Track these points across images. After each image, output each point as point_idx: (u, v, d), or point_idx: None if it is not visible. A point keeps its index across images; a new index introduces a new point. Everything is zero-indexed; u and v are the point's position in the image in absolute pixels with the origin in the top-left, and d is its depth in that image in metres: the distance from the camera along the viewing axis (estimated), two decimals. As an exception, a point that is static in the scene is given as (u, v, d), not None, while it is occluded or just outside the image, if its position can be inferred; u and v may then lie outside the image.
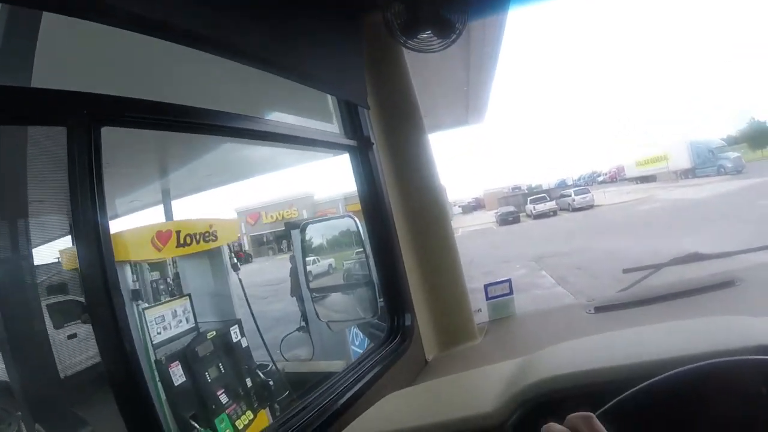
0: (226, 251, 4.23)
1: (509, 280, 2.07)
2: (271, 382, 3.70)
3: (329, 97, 1.83)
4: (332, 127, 1.81)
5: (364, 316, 2.19)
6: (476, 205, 49.22)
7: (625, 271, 2.11)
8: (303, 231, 2.48)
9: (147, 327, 3.26)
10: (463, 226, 28.68)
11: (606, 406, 0.64)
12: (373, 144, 1.78)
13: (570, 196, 27.34)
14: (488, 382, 1.12)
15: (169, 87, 1.24)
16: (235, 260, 4.28)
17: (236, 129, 1.31)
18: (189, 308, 3.63)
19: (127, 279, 3.44)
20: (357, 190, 1.79)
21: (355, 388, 1.41)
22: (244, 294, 4.16)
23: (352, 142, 1.73)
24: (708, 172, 26.14)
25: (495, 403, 0.99)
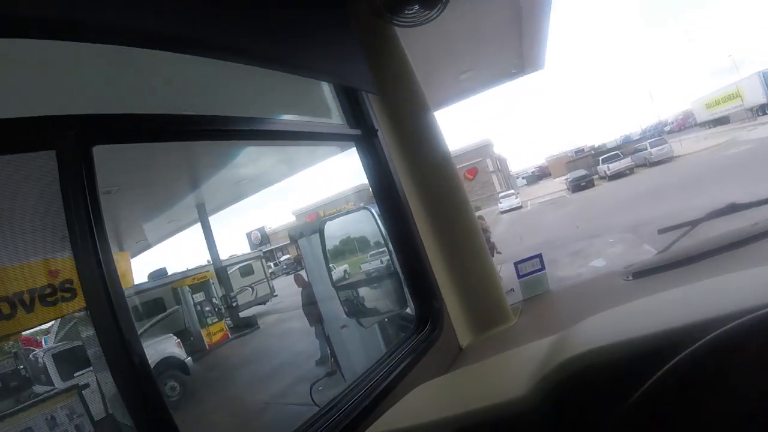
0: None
1: (539, 255, 1.99)
2: None
3: (328, 91, 1.79)
4: (335, 121, 1.77)
5: (393, 309, 2.12)
6: (540, 174, 47.26)
7: (660, 231, 1.99)
8: (321, 234, 2.19)
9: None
10: (531, 199, 26.51)
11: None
12: (377, 131, 1.74)
13: (645, 149, 24.65)
14: (521, 365, 1.06)
15: (164, 97, 1.24)
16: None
17: (237, 131, 1.30)
18: (81, 410, 2.22)
19: None
20: (367, 180, 1.76)
21: (387, 381, 1.38)
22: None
23: (356, 131, 1.70)
24: (786, 103, 23.08)
25: (527, 386, 0.93)
